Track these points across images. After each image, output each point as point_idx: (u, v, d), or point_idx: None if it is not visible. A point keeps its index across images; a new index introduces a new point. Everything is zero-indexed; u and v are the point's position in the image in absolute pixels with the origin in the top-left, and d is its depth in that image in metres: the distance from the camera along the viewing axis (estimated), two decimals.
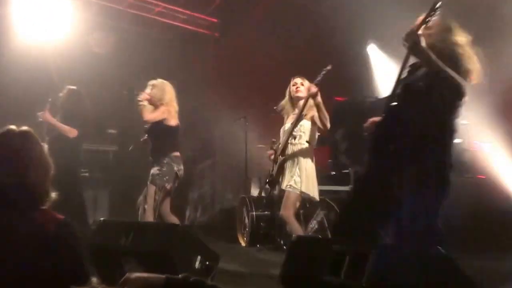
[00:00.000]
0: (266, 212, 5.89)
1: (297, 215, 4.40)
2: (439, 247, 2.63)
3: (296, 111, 4.45)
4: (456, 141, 3.01)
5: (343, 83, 6.57)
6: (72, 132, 5.07)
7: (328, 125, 4.30)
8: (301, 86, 4.47)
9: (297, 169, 4.29)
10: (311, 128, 4.38)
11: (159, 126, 4.61)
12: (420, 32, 2.79)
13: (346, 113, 6.76)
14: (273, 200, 5.51)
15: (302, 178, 4.25)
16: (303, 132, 4.38)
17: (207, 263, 3.17)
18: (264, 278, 4.05)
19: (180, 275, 1.79)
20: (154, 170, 4.55)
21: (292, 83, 4.54)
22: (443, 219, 2.76)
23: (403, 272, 2.06)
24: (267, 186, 4.80)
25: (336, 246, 2.30)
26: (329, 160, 6.58)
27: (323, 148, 6.18)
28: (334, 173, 6.15)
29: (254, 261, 5.01)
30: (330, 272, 2.20)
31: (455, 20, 2.93)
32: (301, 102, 4.38)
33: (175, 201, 4.89)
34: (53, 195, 1.99)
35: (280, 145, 4.50)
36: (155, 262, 2.95)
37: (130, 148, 5.92)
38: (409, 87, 2.90)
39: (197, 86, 7.56)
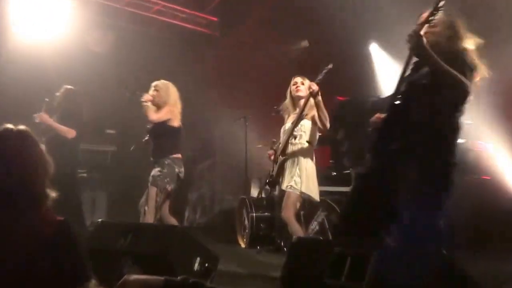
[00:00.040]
0: (266, 214, 5.87)
1: (297, 216, 4.37)
2: (442, 249, 2.60)
3: (297, 110, 4.43)
4: (459, 141, 2.97)
5: (344, 82, 6.55)
6: (70, 132, 5.03)
7: (328, 125, 4.28)
8: (301, 85, 4.44)
9: (297, 169, 4.26)
10: (311, 128, 4.35)
11: (162, 127, 4.58)
12: (423, 31, 2.77)
13: (347, 112, 6.72)
14: (273, 201, 5.48)
15: (302, 179, 4.22)
16: (304, 132, 4.35)
17: (207, 264, 3.15)
18: (264, 280, 4.02)
19: (179, 277, 1.77)
20: (155, 172, 4.52)
21: (292, 82, 4.52)
22: (447, 219, 2.73)
23: (404, 273, 2.03)
24: (267, 186, 4.78)
25: (337, 248, 2.28)
26: (331, 161, 6.54)
27: (324, 148, 6.14)
28: (335, 173, 6.11)
29: (254, 263, 4.98)
30: (331, 273, 2.18)
31: (459, 18, 2.90)
32: (302, 102, 4.35)
33: (174, 201, 4.86)
34: (53, 194, 1.97)
35: (280, 145, 4.48)
36: (153, 264, 2.93)
37: (132, 148, 5.87)
38: (413, 85, 2.88)
39: (197, 85, 7.51)
